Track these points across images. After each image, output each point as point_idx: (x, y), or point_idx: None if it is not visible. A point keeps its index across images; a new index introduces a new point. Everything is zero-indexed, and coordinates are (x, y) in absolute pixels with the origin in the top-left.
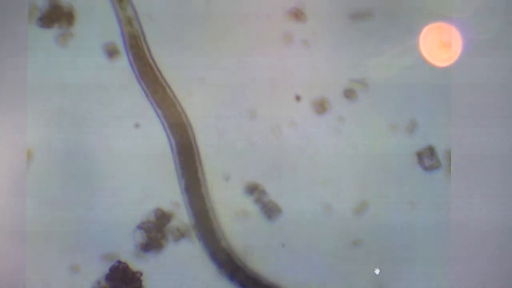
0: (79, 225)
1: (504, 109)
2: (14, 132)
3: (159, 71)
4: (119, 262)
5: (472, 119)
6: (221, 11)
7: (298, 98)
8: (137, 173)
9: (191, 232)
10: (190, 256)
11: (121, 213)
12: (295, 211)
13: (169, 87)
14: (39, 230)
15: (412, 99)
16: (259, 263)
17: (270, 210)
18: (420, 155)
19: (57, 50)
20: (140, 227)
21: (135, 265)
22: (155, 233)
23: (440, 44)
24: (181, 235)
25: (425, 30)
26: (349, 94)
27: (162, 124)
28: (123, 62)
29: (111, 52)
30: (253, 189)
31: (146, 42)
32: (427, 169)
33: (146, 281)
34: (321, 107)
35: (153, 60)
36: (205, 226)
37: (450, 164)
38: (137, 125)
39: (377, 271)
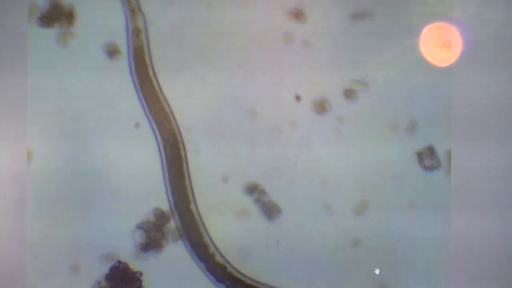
0: (79, 225)
1: (504, 109)
2: (14, 132)
3: (158, 84)
4: (119, 262)
5: (472, 119)
6: (221, 11)
7: (298, 98)
8: (137, 173)
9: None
10: (190, 256)
11: (121, 213)
12: (295, 211)
13: (166, 100)
14: (39, 230)
15: (412, 99)
16: (259, 263)
17: (270, 210)
18: (420, 155)
19: (57, 50)
20: (139, 227)
21: (135, 265)
22: (154, 233)
23: (440, 44)
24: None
25: (425, 30)
26: (349, 94)
27: (154, 133)
28: (123, 62)
29: (111, 52)
30: (253, 189)
31: (150, 54)
32: (427, 169)
33: (146, 281)
34: (321, 107)
35: (154, 73)
36: (196, 239)
37: (450, 164)
38: (137, 125)
39: (377, 271)
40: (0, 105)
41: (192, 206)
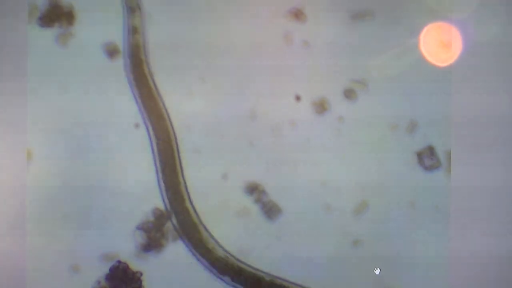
0: (79, 225)
1: (504, 109)
2: (14, 132)
3: (154, 82)
4: (119, 262)
5: (472, 119)
6: (221, 11)
7: (298, 98)
8: (137, 173)
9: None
10: (190, 256)
11: (121, 213)
12: (294, 211)
13: (161, 100)
14: (39, 230)
15: (412, 99)
16: (259, 263)
17: (270, 210)
18: (420, 155)
19: (57, 50)
20: (139, 227)
21: (135, 265)
22: (154, 233)
23: (440, 44)
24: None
25: (425, 30)
26: (349, 94)
27: (147, 131)
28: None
29: (111, 52)
30: (253, 189)
31: (146, 53)
32: (427, 169)
33: (146, 281)
34: (321, 107)
35: (150, 71)
36: (194, 236)
37: (450, 164)
38: (137, 125)
39: (377, 271)
40: (0, 105)
41: (187, 204)
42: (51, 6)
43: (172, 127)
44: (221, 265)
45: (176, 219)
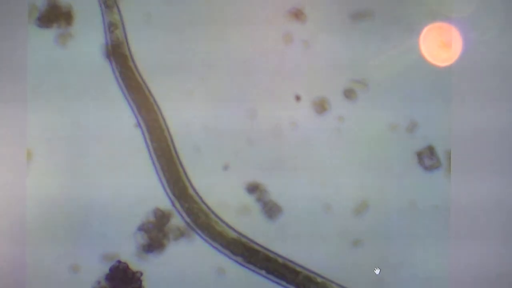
0: (79, 225)
1: (504, 109)
2: (14, 132)
3: (142, 80)
4: (119, 262)
5: (472, 119)
6: (221, 11)
7: (298, 98)
8: (137, 173)
9: (191, 232)
10: (190, 256)
11: (121, 213)
12: (295, 211)
13: (151, 94)
14: (39, 230)
15: (412, 99)
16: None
17: (270, 210)
18: (420, 155)
19: (57, 50)
20: (140, 228)
21: (135, 265)
22: (155, 233)
23: (440, 44)
24: (181, 234)
25: (425, 30)
26: (349, 94)
27: (141, 129)
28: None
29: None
30: (253, 189)
31: (129, 49)
32: (427, 169)
33: (146, 281)
34: (321, 107)
35: (136, 67)
36: (205, 224)
37: (450, 164)
38: (136, 125)
39: (377, 271)
40: (0, 105)
41: (190, 191)
42: (50, 6)
43: (165, 123)
44: (233, 246)
45: (182, 208)
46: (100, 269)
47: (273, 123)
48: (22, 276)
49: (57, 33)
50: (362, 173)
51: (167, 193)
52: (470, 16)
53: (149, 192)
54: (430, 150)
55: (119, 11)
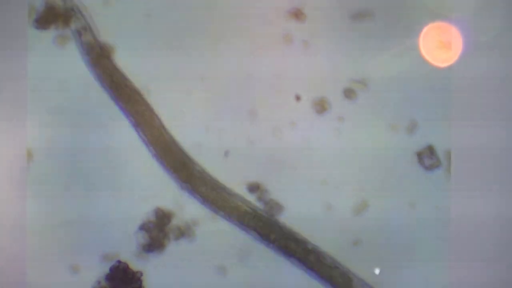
0: (79, 225)
1: (504, 109)
2: (14, 132)
3: (126, 79)
4: (119, 262)
5: (472, 119)
6: (221, 11)
7: (298, 98)
8: (137, 173)
9: (192, 230)
10: (190, 256)
11: (121, 213)
12: (294, 211)
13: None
14: (39, 230)
15: (412, 99)
16: (259, 262)
17: (272, 209)
18: (420, 155)
19: (56, 50)
20: (141, 228)
21: (135, 265)
22: (156, 232)
23: (440, 44)
24: (181, 234)
25: (425, 30)
26: (349, 94)
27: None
28: (121, 61)
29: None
30: (254, 189)
31: (102, 48)
32: (427, 168)
33: (146, 281)
34: (321, 107)
35: (115, 65)
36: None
37: (450, 164)
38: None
39: (377, 271)
40: (0, 105)
41: (197, 172)
42: (47, 8)
43: (158, 117)
44: (248, 220)
45: (194, 190)
46: (100, 269)
47: (273, 123)
48: (22, 276)
49: (56, 34)
50: (362, 173)
51: (175, 180)
52: (470, 16)
53: (150, 192)
54: (430, 150)
55: (82, 15)
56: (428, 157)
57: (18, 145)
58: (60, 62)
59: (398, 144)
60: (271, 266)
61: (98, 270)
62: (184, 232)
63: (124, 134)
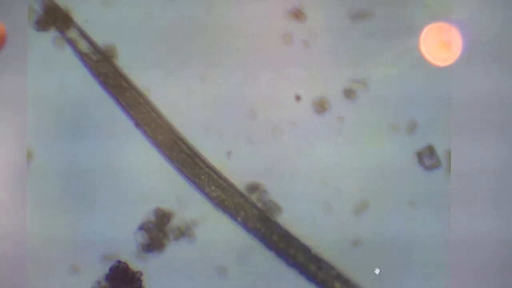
0: (79, 225)
1: (504, 109)
2: (14, 132)
3: (126, 80)
4: (119, 262)
5: (472, 119)
6: (221, 11)
7: (298, 98)
8: (137, 173)
9: (192, 230)
10: (190, 256)
11: (121, 213)
12: (295, 211)
13: (133, 88)
14: (39, 231)
15: (412, 99)
16: (259, 263)
17: (270, 210)
18: (420, 155)
19: (56, 51)
20: (141, 228)
21: (135, 265)
22: (156, 232)
23: (440, 44)
24: (181, 234)
25: (425, 30)
26: (349, 94)
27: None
28: (121, 61)
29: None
30: (253, 189)
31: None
32: (427, 169)
33: (146, 281)
34: (321, 107)
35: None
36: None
37: (450, 164)
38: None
39: (377, 271)
40: (0, 106)
41: (205, 168)
42: (47, 10)
43: (156, 112)
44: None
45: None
46: (100, 269)
47: (273, 123)
48: (22, 276)
49: (55, 35)
50: (362, 173)
51: (183, 176)
52: (470, 16)
53: (150, 192)
54: (430, 150)
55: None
56: (428, 157)
57: (18, 145)
58: (60, 63)
59: (398, 144)
60: (271, 267)
61: (98, 270)
62: (184, 232)
63: (124, 134)
